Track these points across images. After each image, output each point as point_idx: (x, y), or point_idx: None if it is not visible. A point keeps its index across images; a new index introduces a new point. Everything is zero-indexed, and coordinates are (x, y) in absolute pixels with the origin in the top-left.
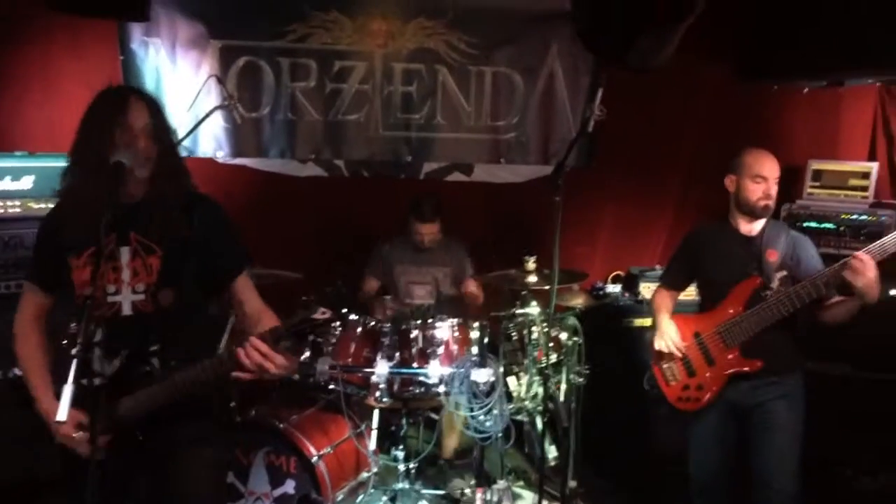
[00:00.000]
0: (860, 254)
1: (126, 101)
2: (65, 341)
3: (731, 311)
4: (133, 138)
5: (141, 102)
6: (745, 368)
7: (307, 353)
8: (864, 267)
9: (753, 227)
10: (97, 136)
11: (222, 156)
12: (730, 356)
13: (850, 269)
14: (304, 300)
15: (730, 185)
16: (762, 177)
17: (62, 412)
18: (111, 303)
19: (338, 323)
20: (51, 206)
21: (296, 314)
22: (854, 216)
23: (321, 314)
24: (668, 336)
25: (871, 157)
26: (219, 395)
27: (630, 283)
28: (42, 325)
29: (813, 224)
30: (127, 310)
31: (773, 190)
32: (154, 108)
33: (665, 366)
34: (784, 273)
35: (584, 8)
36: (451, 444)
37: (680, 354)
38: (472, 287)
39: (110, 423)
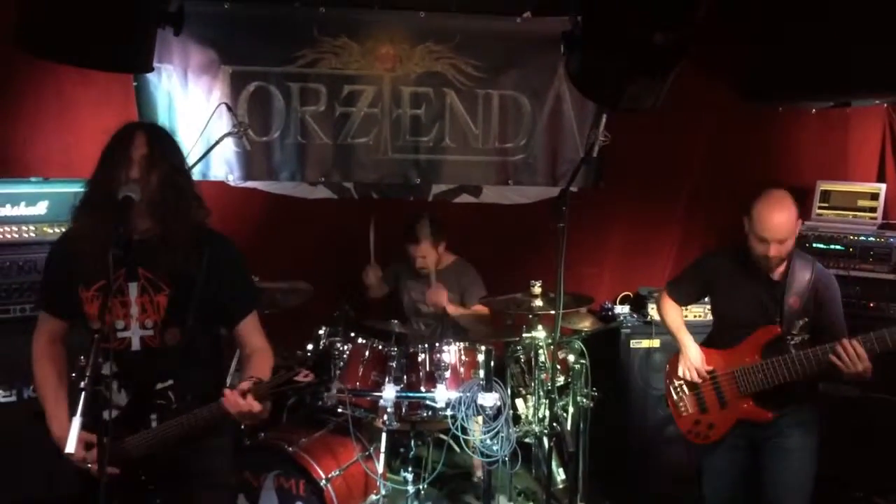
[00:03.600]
0: (847, 347)
1: (131, 136)
2: (73, 374)
3: (749, 357)
4: (129, 168)
5: (142, 134)
6: (756, 418)
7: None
8: (850, 362)
9: (777, 269)
10: (105, 172)
11: (234, 179)
12: (743, 403)
13: (835, 358)
14: (281, 362)
15: (746, 227)
16: (763, 239)
17: (70, 445)
18: (121, 338)
19: (346, 346)
20: (64, 230)
21: (278, 375)
22: (862, 237)
23: (303, 377)
24: (694, 365)
25: (880, 178)
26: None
27: (638, 304)
28: (58, 349)
29: (821, 245)
30: (136, 345)
31: (779, 249)
32: (155, 137)
33: (676, 395)
34: (805, 319)
35: (575, 53)
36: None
37: (700, 382)
38: (478, 308)
39: (118, 457)
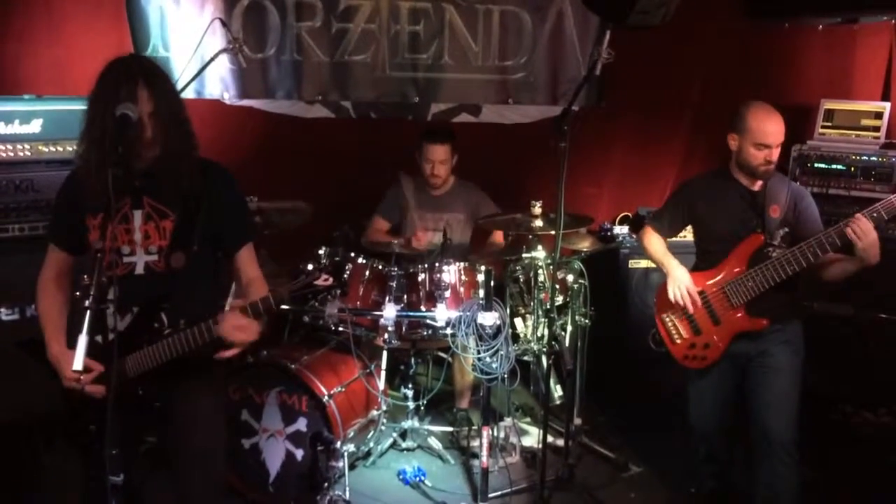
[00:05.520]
0: (860, 219)
1: (132, 90)
2: (77, 293)
3: (736, 269)
4: (141, 128)
5: (146, 88)
6: (752, 328)
7: None
8: (864, 232)
9: (755, 182)
10: (104, 116)
11: (229, 97)
12: (735, 315)
13: (851, 232)
14: (301, 267)
15: (732, 144)
16: (765, 145)
17: (78, 362)
18: (126, 263)
19: (346, 266)
20: (59, 149)
21: (299, 279)
22: (865, 157)
23: (323, 281)
24: (683, 284)
25: (885, 97)
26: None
27: (638, 225)
28: (64, 283)
29: (823, 165)
30: (140, 269)
31: (776, 154)
32: (159, 89)
33: (669, 322)
34: (785, 229)
35: None
36: (465, 391)
37: (692, 309)
38: (497, 237)
39: (119, 376)
